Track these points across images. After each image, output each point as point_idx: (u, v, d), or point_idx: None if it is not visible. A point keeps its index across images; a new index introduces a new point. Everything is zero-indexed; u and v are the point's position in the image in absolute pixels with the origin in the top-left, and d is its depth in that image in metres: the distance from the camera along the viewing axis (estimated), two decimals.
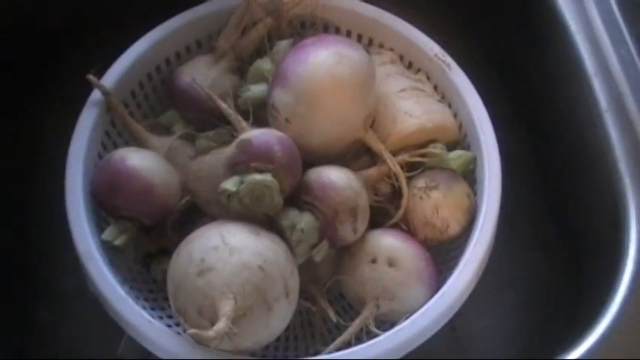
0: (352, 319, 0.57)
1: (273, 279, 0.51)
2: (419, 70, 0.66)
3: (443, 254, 0.62)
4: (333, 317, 0.58)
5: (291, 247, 0.54)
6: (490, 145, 0.60)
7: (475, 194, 0.60)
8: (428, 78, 0.65)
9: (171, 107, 0.64)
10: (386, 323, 0.58)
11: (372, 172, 0.60)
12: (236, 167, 0.53)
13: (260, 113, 0.60)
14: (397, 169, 0.59)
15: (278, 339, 0.58)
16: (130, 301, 0.53)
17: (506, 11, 0.77)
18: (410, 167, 0.60)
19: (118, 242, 0.56)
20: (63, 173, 0.57)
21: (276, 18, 0.65)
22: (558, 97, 0.69)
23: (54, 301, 0.72)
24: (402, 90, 0.62)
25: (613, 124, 0.62)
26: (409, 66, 0.66)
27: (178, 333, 0.53)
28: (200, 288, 0.49)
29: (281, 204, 0.54)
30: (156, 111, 0.66)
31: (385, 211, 0.61)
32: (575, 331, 0.56)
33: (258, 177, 0.52)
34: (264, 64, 0.62)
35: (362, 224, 0.57)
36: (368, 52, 0.61)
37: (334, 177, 0.56)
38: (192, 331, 0.47)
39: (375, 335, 0.53)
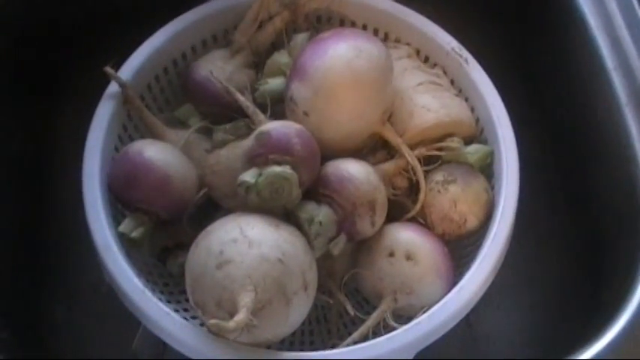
0: (367, 315, 0.57)
1: (292, 272, 0.50)
2: (435, 65, 0.65)
3: (460, 249, 0.61)
4: (351, 310, 0.57)
5: (309, 240, 0.54)
6: (508, 140, 0.60)
7: (492, 189, 0.60)
8: (444, 72, 0.65)
9: (187, 101, 0.64)
10: (402, 317, 0.57)
11: (390, 165, 0.60)
12: (254, 160, 0.53)
13: (277, 107, 0.60)
14: (415, 163, 0.58)
15: (294, 333, 0.58)
16: (148, 293, 0.53)
17: (524, 5, 0.76)
18: (426, 162, 0.60)
19: (134, 235, 0.56)
20: (80, 166, 0.57)
21: (293, 12, 0.65)
22: (577, 92, 0.68)
23: (69, 297, 0.72)
24: (419, 84, 0.62)
25: (633, 119, 0.61)
26: (425, 60, 0.66)
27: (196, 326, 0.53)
28: (219, 280, 0.49)
29: (299, 197, 0.54)
30: (171, 105, 0.66)
31: (402, 205, 0.61)
32: (591, 331, 0.55)
33: (277, 169, 0.52)
34: (281, 58, 0.62)
35: (380, 218, 0.57)
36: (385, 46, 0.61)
37: (353, 170, 0.56)
38: (212, 321, 0.46)
39: (393, 329, 0.53)
